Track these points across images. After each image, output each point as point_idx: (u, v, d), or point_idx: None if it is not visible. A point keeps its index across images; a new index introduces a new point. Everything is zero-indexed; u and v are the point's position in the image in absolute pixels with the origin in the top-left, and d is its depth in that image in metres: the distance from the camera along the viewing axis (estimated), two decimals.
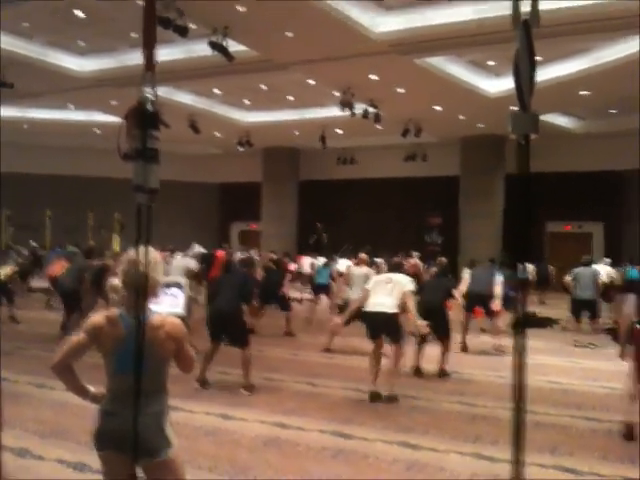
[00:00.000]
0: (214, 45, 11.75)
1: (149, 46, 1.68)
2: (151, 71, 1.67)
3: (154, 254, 2.91)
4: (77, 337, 2.90)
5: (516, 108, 1.50)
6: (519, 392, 1.39)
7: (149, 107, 1.68)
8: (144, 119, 1.67)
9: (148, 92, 1.67)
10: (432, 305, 8.11)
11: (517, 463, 1.45)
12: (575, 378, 8.48)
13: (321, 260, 16.91)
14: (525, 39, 1.40)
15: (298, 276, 17.12)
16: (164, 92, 17.37)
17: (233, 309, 7.31)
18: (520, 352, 1.44)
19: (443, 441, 5.63)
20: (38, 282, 16.98)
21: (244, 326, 7.39)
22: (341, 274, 12.79)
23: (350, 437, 5.70)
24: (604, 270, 13.50)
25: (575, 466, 5.06)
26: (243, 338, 7.33)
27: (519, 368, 1.43)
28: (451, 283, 9.37)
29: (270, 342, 10.76)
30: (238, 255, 15.88)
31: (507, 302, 10.61)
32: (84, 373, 2.99)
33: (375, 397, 6.97)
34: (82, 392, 3.00)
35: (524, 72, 1.40)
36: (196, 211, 27.63)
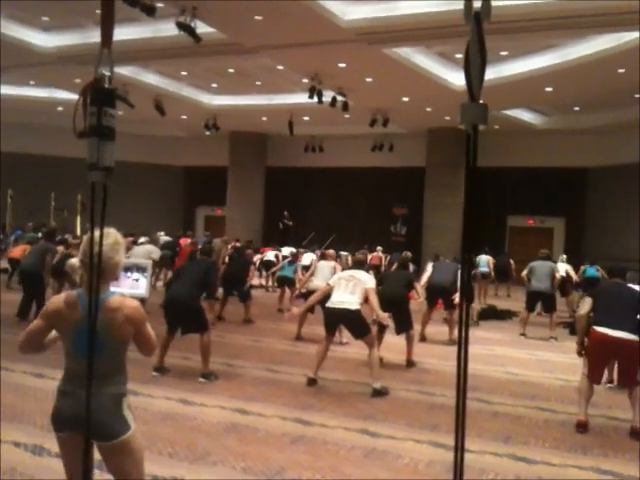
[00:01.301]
0: (181, 26, 11.58)
1: (107, 22, 1.64)
2: (108, 48, 1.64)
3: (116, 236, 2.88)
4: (36, 323, 2.91)
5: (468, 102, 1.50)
6: (463, 376, 1.41)
7: (106, 84, 1.65)
8: (100, 96, 1.64)
9: (105, 69, 1.64)
10: (393, 297, 8.17)
11: (460, 450, 1.47)
12: (532, 370, 8.64)
13: (285, 251, 16.89)
14: (476, 31, 1.42)
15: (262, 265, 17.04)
16: (130, 72, 17.09)
17: (190, 296, 7.24)
18: (464, 326, 1.46)
19: (401, 429, 5.69)
20: None
21: (201, 312, 7.31)
22: (306, 267, 12.80)
23: (310, 424, 5.73)
24: (562, 266, 13.75)
25: (527, 455, 5.16)
26: (200, 324, 7.24)
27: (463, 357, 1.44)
28: (412, 275, 9.46)
29: (231, 328, 10.73)
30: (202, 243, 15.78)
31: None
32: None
33: (311, 382, 7.16)
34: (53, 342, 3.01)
35: (474, 64, 1.42)
36: (161, 194, 27.32)
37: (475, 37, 1.37)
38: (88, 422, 2.01)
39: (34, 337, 2.91)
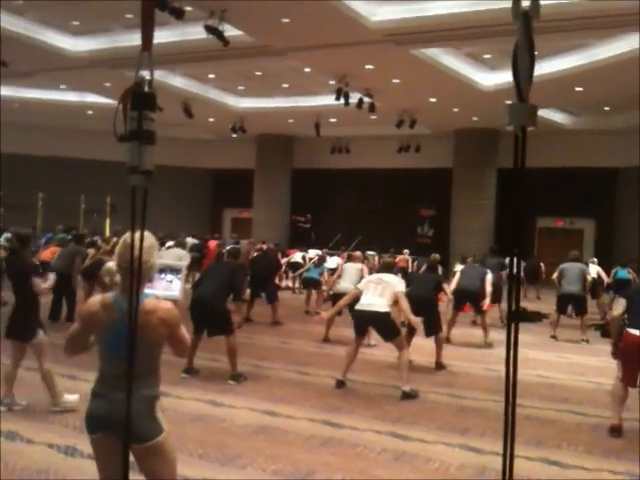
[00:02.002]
0: (210, 29, 11.65)
1: (147, 26, 1.65)
2: (148, 51, 1.64)
3: (150, 238, 2.90)
4: (75, 327, 2.98)
5: (509, 102, 1.47)
6: (513, 387, 1.38)
7: (146, 88, 1.66)
8: (140, 100, 1.65)
9: (145, 73, 1.65)
10: (422, 299, 8.10)
11: (509, 457, 1.44)
12: (562, 373, 8.52)
13: (312, 253, 16.91)
14: (525, 30, 1.39)
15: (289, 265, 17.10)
16: (158, 75, 16.91)
17: (215, 297, 7.26)
18: (513, 346, 1.42)
19: (431, 432, 5.66)
20: None
21: (226, 314, 7.32)
22: (332, 271, 12.81)
23: (339, 426, 5.71)
24: (593, 268, 13.56)
25: (560, 459, 5.09)
26: (225, 326, 7.24)
27: (511, 361, 1.41)
28: (440, 277, 9.39)
29: (260, 330, 10.76)
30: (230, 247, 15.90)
31: (496, 294, 10.69)
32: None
33: (340, 384, 7.14)
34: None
35: (523, 63, 1.39)
36: (188, 197, 27.50)
37: (523, 36, 1.34)
38: (128, 426, 2.02)
39: (76, 340, 2.99)
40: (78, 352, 3.05)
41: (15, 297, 5.94)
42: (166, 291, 4.51)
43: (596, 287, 13.51)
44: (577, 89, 16.03)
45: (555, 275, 11.46)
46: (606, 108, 19.64)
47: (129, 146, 1.63)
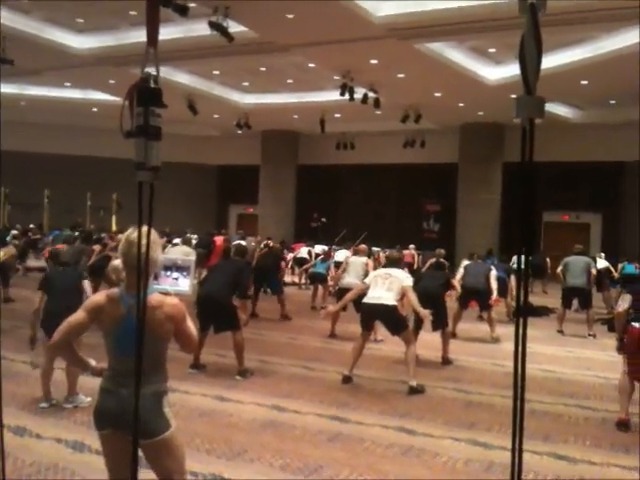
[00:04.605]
0: (214, 25, 11.65)
1: (152, 22, 1.65)
2: (154, 47, 1.64)
3: (152, 234, 2.90)
4: (77, 315, 2.91)
5: (515, 96, 1.48)
6: (521, 381, 1.37)
7: (152, 84, 1.66)
8: (147, 96, 1.65)
9: (150, 69, 1.65)
10: (430, 294, 8.10)
11: (518, 451, 1.44)
12: (569, 367, 8.51)
13: (318, 248, 16.91)
14: (532, 22, 1.38)
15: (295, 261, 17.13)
16: (162, 72, 16.89)
17: (221, 294, 7.28)
18: (521, 341, 1.42)
19: (439, 427, 5.66)
20: (33, 262, 16.95)
21: (233, 311, 7.34)
22: (339, 264, 12.82)
23: (346, 421, 5.72)
24: (600, 263, 13.51)
25: (568, 453, 5.09)
26: (232, 322, 7.26)
27: (520, 356, 1.41)
28: (448, 274, 9.39)
29: (267, 326, 10.78)
30: (237, 242, 15.92)
31: (501, 289, 10.68)
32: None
33: (346, 380, 7.14)
34: (82, 366, 3.11)
35: (530, 56, 1.39)
36: (194, 193, 27.54)
37: (531, 29, 1.34)
38: (137, 421, 2.02)
39: (75, 328, 2.90)
40: (68, 341, 2.94)
41: (52, 295, 5.88)
42: (175, 287, 4.53)
43: (602, 280, 13.47)
44: (582, 82, 15.96)
45: (559, 269, 11.43)
46: (612, 101, 19.55)
47: (135, 142, 1.63)
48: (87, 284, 6.06)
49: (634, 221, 20.84)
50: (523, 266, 1.51)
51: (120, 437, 2.72)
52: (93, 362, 3.07)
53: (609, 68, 14.38)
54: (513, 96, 1.46)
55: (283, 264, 12.26)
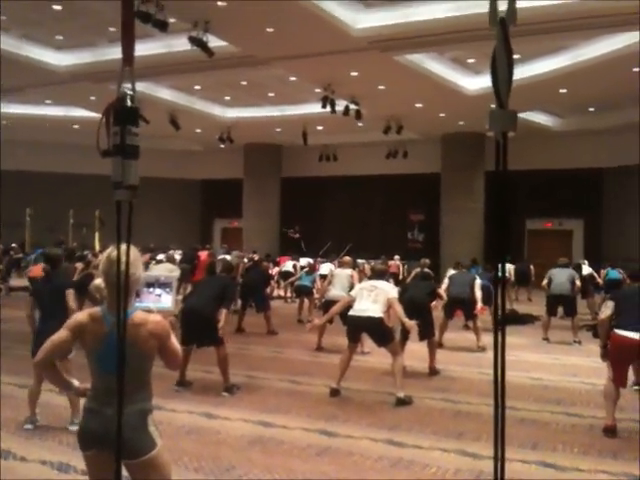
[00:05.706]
0: (194, 40, 11.66)
1: (128, 40, 1.64)
2: (130, 66, 1.63)
3: (133, 251, 2.88)
4: (60, 334, 2.87)
5: (493, 106, 1.49)
6: (501, 389, 1.37)
7: (128, 103, 1.65)
8: (123, 115, 1.64)
9: (127, 87, 1.64)
10: (416, 304, 8.12)
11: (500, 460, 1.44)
12: (555, 374, 8.53)
13: (303, 261, 16.89)
14: (502, 37, 1.40)
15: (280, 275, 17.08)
16: (144, 87, 17.21)
17: (206, 309, 7.19)
18: (500, 349, 1.42)
19: (427, 438, 5.64)
20: (16, 281, 16.79)
21: (216, 325, 7.19)
22: (324, 277, 12.79)
23: (334, 435, 5.69)
24: (586, 269, 13.61)
25: (556, 461, 5.09)
26: (215, 337, 7.14)
27: (499, 364, 1.41)
28: (434, 285, 9.41)
29: (253, 340, 10.73)
30: (221, 256, 15.87)
31: (487, 297, 10.70)
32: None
33: (334, 393, 7.11)
34: (65, 386, 3.07)
35: (501, 70, 1.40)
36: (178, 208, 27.46)
37: (501, 42, 1.35)
38: (119, 440, 1.99)
39: (58, 347, 2.86)
40: (51, 361, 2.90)
41: (44, 316, 5.84)
42: (158, 303, 4.49)
43: (586, 287, 13.55)
44: (561, 90, 16.14)
45: (544, 282, 11.46)
46: (591, 109, 19.78)
47: (113, 161, 1.62)
48: (71, 295, 5.97)
49: (615, 226, 21.09)
50: (500, 274, 1.52)
51: (105, 457, 2.68)
52: (76, 382, 3.02)
53: (588, 76, 14.55)
54: (493, 106, 1.47)
55: (273, 283, 12.25)
